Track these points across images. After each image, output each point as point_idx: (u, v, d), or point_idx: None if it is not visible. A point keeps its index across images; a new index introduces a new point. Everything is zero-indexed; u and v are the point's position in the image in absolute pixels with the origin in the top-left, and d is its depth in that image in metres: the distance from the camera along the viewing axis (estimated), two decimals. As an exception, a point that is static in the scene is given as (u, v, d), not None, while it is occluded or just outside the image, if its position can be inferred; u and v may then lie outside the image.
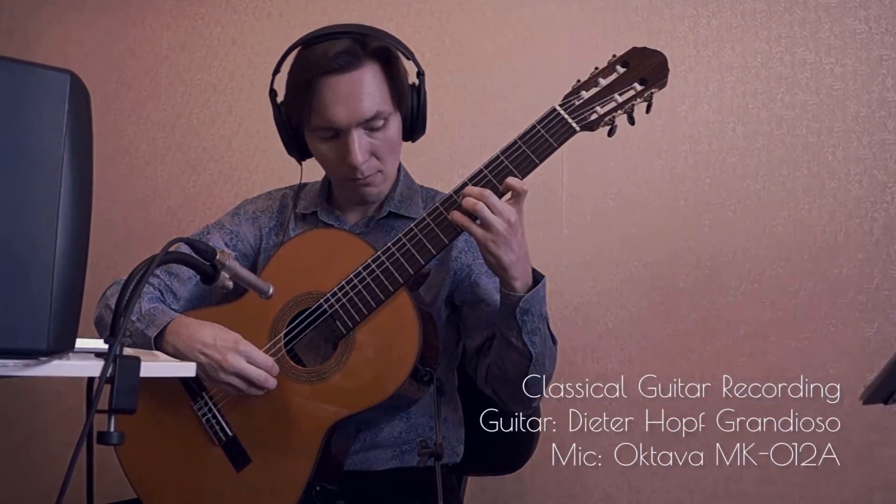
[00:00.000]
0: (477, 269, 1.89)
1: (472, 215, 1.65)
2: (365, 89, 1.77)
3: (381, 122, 1.80)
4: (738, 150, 2.67)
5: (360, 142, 1.79)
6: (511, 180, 1.66)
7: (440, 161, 2.79)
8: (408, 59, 1.86)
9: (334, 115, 1.77)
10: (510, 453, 2.07)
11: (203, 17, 3.22)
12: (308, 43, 1.82)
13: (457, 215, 1.67)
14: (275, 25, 3.12)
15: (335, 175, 1.90)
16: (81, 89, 1.09)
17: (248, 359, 1.69)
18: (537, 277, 1.74)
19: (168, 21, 3.24)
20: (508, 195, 1.67)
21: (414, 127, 1.88)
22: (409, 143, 1.92)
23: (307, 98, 1.78)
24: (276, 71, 1.88)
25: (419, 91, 1.87)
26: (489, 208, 1.64)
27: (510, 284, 1.70)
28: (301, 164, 1.94)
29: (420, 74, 1.87)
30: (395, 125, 1.84)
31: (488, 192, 1.64)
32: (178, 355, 1.72)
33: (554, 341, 1.83)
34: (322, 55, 1.77)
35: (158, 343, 1.74)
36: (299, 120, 1.83)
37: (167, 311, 1.79)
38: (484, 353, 1.87)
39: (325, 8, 3.03)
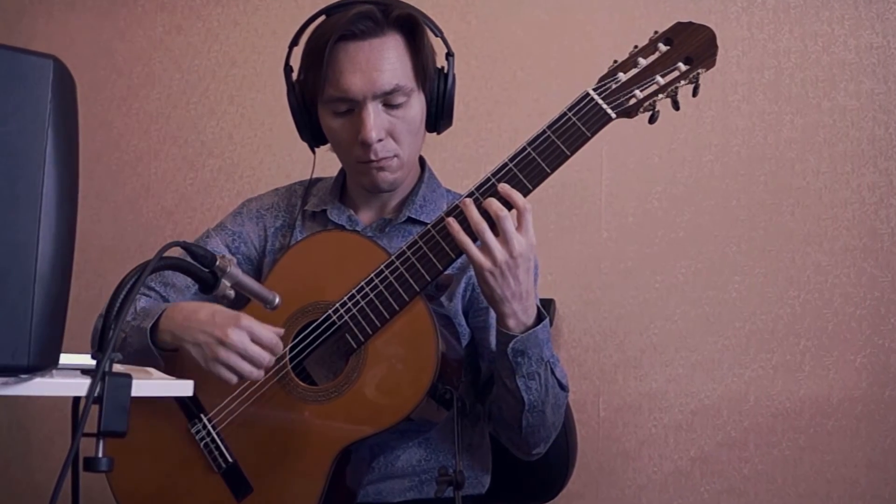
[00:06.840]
0: None
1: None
2: (385, 59, 1.75)
3: (401, 99, 1.77)
4: (797, 145, 2.65)
5: (375, 117, 1.76)
6: (511, 193, 1.62)
7: (465, 156, 2.78)
8: (436, 36, 1.84)
9: (350, 84, 1.75)
10: (543, 481, 2.06)
11: (202, -3, 3.23)
12: (330, 11, 1.82)
13: (456, 230, 1.63)
14: (281, 5, 3.12)
15: (347, 158, 1.87)
16: (66, 77, 1.09)
17: (250, 335, 1.64)
18: (541, 316, 1.71)
19: (162, 1, 3.25)
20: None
21: (439, 114, 1.85)
22: (433, 136, 1.90)
23: (322, 65, 1.75)
24: (294, 43, 1.87)
25: (447, 75, 1.84)
26: (498, 232, 1.61)
27: (503, 321, 1.67)
28: (314, 152, 1.93)
29: (449, 55, 1.84)
30: (417, 105, 1.81)
31: (504, 214, 1.60)
32: (177, 341, 1.69)
33: (563, 388, 1.78)
34: (341, 19, 1.75)
35: (154, 336, 1.72)
36: (313, 92, 1.81)
37: (162, 304, 1.79)
38: (488, 388, 1.84)
39: (336, -14, 3.03)
